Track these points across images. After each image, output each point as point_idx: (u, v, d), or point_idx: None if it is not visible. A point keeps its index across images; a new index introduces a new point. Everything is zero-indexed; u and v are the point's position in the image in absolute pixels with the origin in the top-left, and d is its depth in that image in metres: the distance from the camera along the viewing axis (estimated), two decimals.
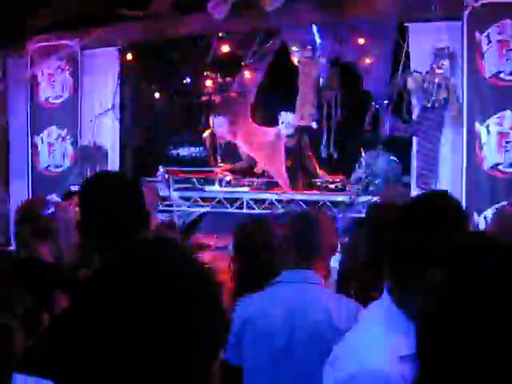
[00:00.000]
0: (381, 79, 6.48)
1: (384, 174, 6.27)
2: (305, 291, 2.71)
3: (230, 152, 7.57)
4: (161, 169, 6.99)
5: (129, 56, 7.09)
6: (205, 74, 7.80)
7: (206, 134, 7.77)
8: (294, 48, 6.94)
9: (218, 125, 7.52)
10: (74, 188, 6.25)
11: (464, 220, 1.74)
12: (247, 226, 3.59)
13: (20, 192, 6.80)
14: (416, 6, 5.78)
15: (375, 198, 5.92)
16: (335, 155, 7.30)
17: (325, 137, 7.27)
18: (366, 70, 6.71)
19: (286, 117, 6.99)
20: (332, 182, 6.78)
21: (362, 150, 6.69)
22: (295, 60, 6.93)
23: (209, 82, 7.86)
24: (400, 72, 6.00)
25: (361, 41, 6.62)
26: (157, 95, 8.20)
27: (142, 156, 7.74)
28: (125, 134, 7.15)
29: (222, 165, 7.39)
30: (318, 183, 6.83)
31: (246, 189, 6.79)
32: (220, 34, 7.11)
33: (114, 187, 2.24)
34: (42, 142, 7.13)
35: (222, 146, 7.65)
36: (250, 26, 6.56)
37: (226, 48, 7.25)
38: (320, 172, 7.15)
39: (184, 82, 7.94)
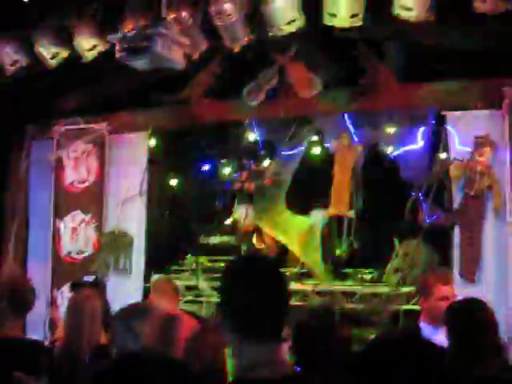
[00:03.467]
0: (418, 167, 6.41)
1: (424, 264, 6.06)
2: None
3: None
4: (189, 258, 6.71)
5: (154, 141, 6.87)
6: (239, 161, 7.57)
7: (228, 221, 7.48)
8: (329, 135, 6.86)
9: (240, 214, 7.27)
10: (88, 278, 5.96)
11: None
12: None
13: (40, 275, 6.45)
14: (454, 95, 5.79)
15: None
16: (355, 245, 7.08)
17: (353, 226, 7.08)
18: (403, 157, 6.64)
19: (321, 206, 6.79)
20: (365, 273, 6.54)
21: (395, 239, 6.51)
22: (331, 147, 6.83)
23: (241, 170, 7.61)
24: (440, 160, 5.93)
25: (397, 129, 6.54)
26: (183, 181, 7.93)
27: (169, 244, 7.44)
28: (151, 220, 6.84)
29: None
30: (352, 273, 6.58)
31: None
32: (254, 121, 7.00)
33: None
34: (65, 227, 6.85)
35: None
36: (285, 113, 6.42)
37: (259, 135, 7.15)
38: None
39: (214, 168, 7.71)
